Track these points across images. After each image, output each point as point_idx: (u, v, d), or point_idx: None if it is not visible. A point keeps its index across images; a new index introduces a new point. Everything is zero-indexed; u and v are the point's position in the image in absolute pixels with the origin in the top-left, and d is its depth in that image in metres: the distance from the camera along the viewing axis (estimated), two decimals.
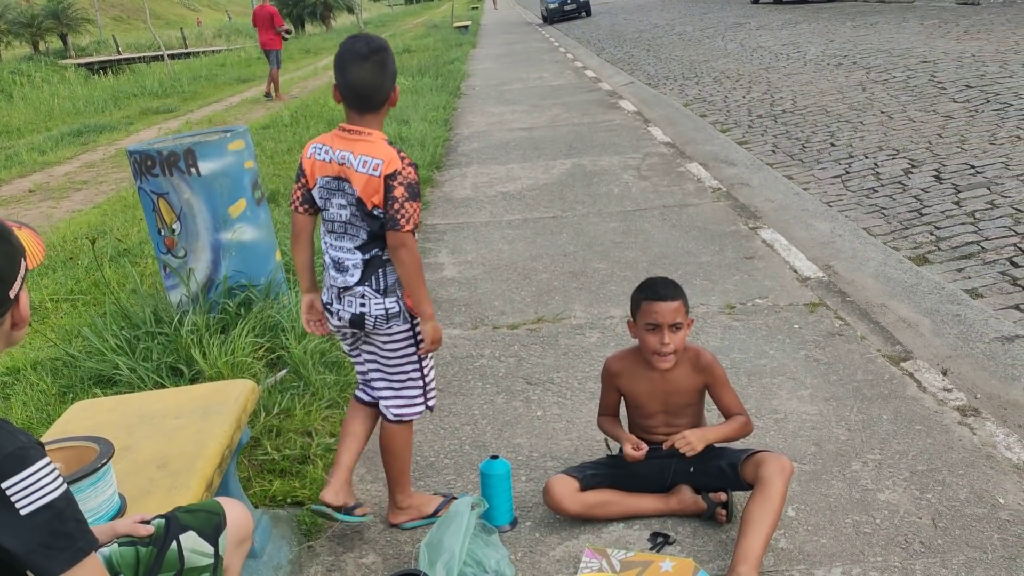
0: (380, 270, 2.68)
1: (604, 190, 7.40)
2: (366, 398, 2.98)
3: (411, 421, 2.90)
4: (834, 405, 3.52)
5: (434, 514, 2.96)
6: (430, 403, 2.90)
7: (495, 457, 2.95)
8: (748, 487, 2.71)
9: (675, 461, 2.86)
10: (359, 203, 2.59)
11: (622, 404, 3.06)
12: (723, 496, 2.84)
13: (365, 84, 2.58)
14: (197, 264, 4.28)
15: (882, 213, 6.06)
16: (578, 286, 5.17)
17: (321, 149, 2.68)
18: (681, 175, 7.67)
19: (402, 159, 2.57)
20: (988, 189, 6.14)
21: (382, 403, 2.88)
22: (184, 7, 67.84)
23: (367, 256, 2.67)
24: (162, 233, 4.26)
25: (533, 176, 8.22)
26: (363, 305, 2.69)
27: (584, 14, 36.72)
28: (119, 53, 34.07)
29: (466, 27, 33.12)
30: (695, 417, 2.94)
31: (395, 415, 2.86)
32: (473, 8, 60.46)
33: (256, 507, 3.09)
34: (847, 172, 7.19)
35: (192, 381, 3.85)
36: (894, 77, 10.90)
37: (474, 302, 5.11)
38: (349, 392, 4.02)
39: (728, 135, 9.29)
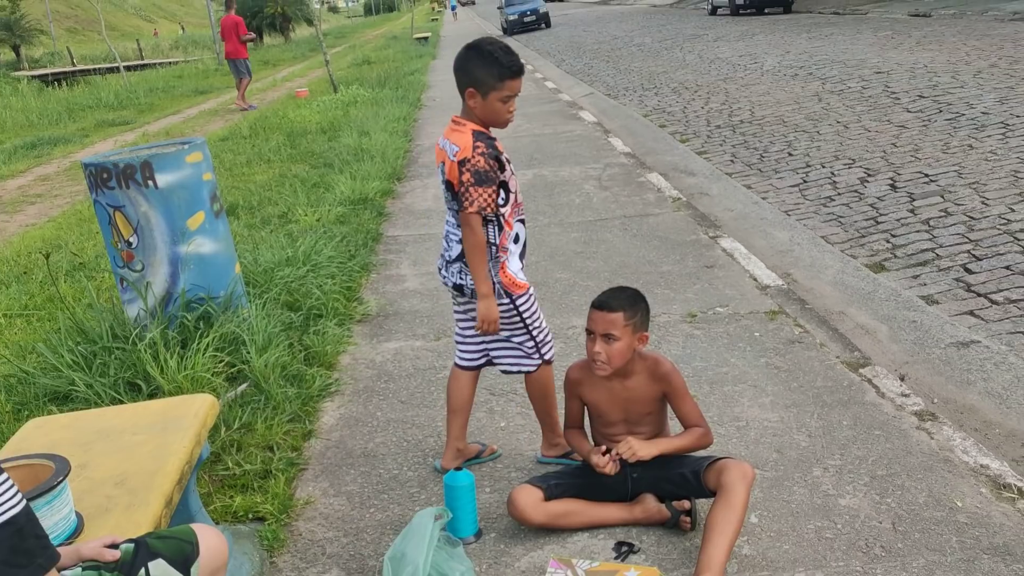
0: None
1: (565, 200, 7.43)
2: (463, 363, 3.24)
3: (539, 370, 3.15)
4: (795, 412, 3.55)
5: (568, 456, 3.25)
6: (546, 356, 3.15)
7: (459, 468, 2.94)
8: (711, 494, 2.72)
9: (638, 469, 2.86)
10: (448, 184, 2.94)
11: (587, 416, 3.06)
12: (687, 504, 2.85)
13: (454, 68, 2.94)
14: (155, 277, 4.22)
15: (839, 221, 6.16)
16: (540, 296, 5.15)
17: (442, 140, 3.03)
18: (641, 185, 7.73)
19: (475, 148, 2.84)
20: (942, 197, 6.26)
21: (498, 362, 3.19)
22: (140, 18, 67.14)
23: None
24: (119, 246, 4.20)
25: None
26: (462, 278, 3.02)
27: (544, 26, 36.90)
28: (74, 65, 33.61)
29: (426, 38, 33.14)
30: (657, 426, 2.95)
31: (509, 367, 3.17)
32: (432, 20, 60.54)
33: (217, 523, 3.04)
34: (804, 181, 7.29)
35: (151, 396, 3.79)
36: (849, 88, 11.09)
37: (436, 313, 5.10)
38: (311, 405, 3.99)
39: (687, 145, 9.38)
